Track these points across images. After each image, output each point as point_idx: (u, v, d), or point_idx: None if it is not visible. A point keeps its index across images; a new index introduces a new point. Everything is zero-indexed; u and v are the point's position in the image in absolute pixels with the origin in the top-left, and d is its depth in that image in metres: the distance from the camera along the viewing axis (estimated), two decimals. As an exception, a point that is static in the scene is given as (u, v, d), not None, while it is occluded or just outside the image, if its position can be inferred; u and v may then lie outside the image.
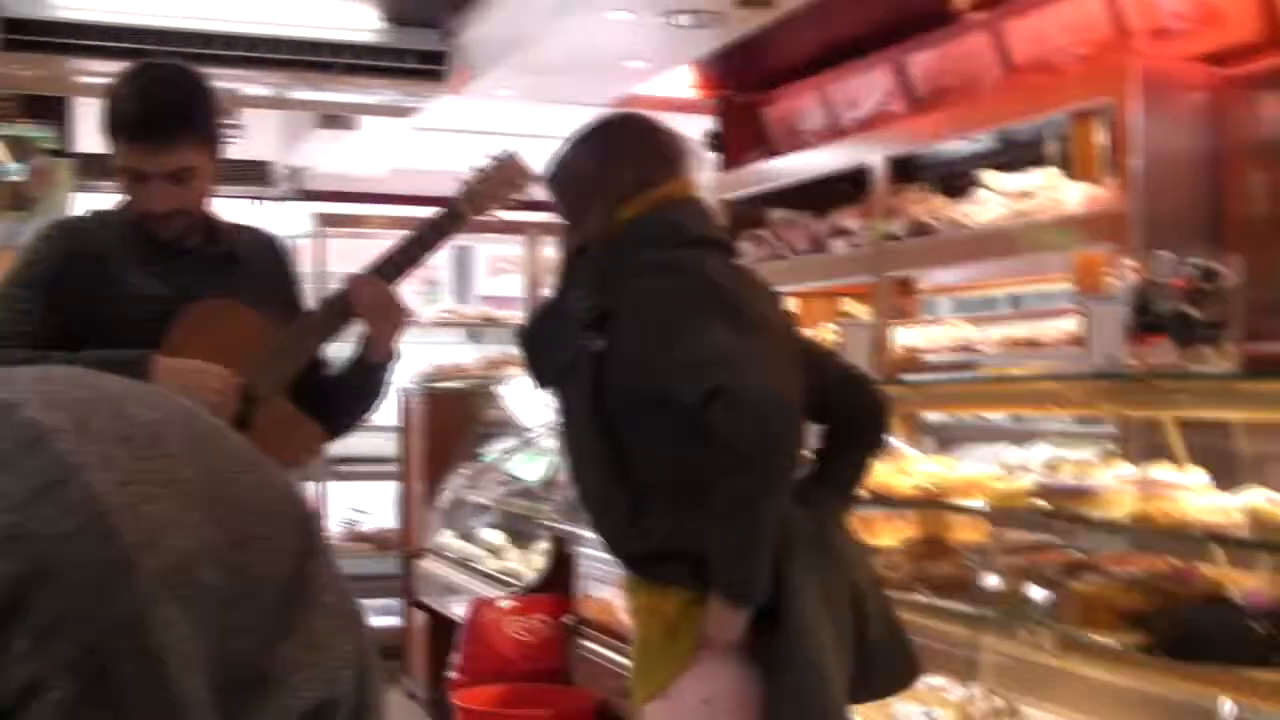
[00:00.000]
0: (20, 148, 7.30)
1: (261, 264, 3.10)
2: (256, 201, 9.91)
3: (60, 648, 0.81)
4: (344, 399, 3.13)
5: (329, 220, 8.75)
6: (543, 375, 3.05)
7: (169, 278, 2.90)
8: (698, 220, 3.01)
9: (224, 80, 6.91)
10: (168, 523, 0.88)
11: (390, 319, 3.03)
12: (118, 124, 2.83)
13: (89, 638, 0.81)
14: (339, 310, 3.02)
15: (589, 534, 5.10)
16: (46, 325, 2.81)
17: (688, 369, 2.64)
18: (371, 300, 2.99)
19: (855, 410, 3.06)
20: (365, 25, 6.87)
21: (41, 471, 0.85)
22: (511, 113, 8.28)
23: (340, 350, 3.16)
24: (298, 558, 0.96)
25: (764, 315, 2.88)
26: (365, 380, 3.11)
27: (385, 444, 7.56)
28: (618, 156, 3.00)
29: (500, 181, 3.24)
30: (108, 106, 2.86)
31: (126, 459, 0.89)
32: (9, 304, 2.86)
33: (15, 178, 7.24)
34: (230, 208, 10.74)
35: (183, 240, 2.95)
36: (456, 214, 3.17)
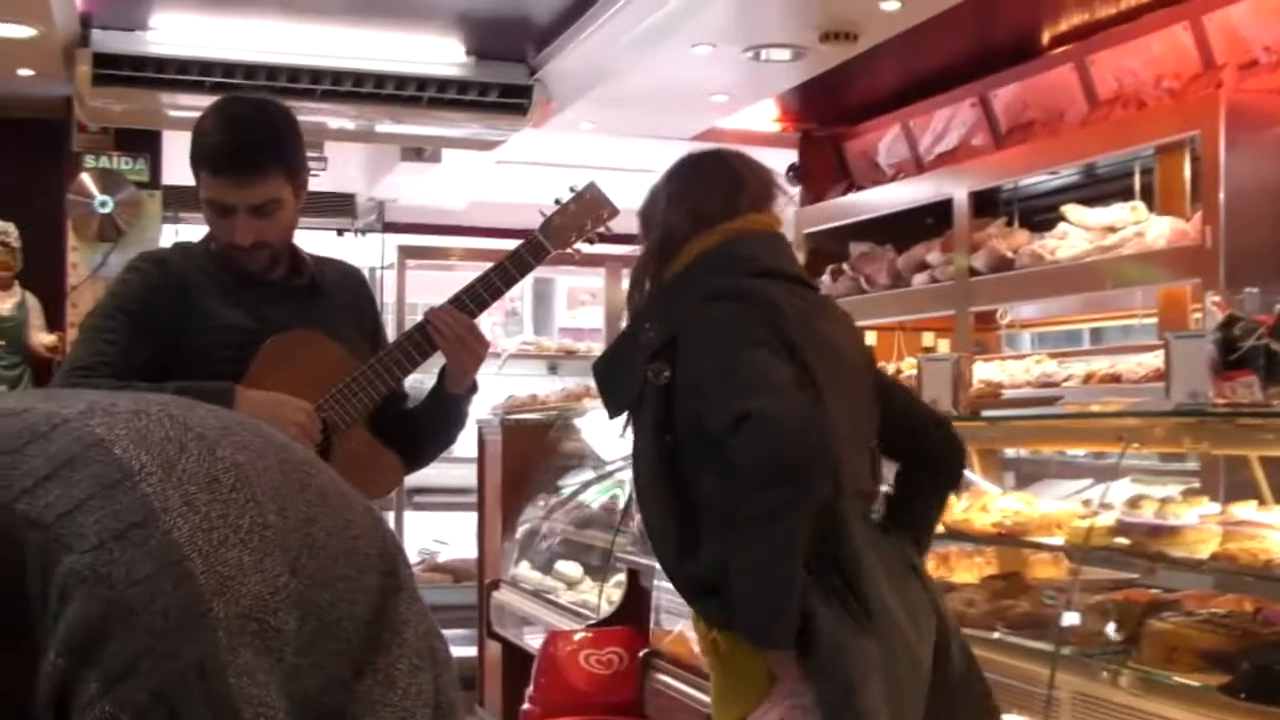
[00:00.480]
0: (110, 181, 7.44)
1: (345, 297, 3.09)
2: (340, 233, 10.03)
3: (131, 692, 0.81)
4: (425, 431, 3.13)
5: (410, 252, 8.82)
6: (615, 405, 3.03)
7: (253, 309, 2.91)
8: (770, 252, 2.97)
9: (310, 114, 7.01)
10: (247, 567, 0.88)
11: (471, 351, 3.03)
12: (203, 156, 2.85)
13: (160, 683, 0.82)
14: (420, 342, 3.00)
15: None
16: (132, 355, 2.83)
17: (723, 394, 2.61)
18: (452, 333, 2.99)
19: (933, 451, 3.03)
20: (450, 59, 6.93)
21: (123, 513, 0.85)
22: (590, 146, 8.33)
23: (419, 383, 3.18)
24: (379, 596, 0.97)
25: (835, 347, 2.85)
26: (446, 412, 3.11)
27: (464, 475, 7.59)
28: (702, 189, 2.97)
29: (582, 214, 3.23)
30: (193, 139, 2.90)
31: (210, 503, 0.89)
32: (97, 334, 2.88)
33: (105, 210, 7.37)
34: (314, 240, 10.87)
35: (267, 272, 2.95)
36: (538, 247, 3.16)
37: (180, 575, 0.85)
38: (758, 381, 2.59)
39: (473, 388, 3.10)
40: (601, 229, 3.29)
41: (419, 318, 3.12)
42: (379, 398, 2.96)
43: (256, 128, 2.86)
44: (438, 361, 3.08)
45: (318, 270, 3.07)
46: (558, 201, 3.23)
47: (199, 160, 2.86)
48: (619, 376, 2.99)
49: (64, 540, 0.84)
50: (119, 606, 0.83)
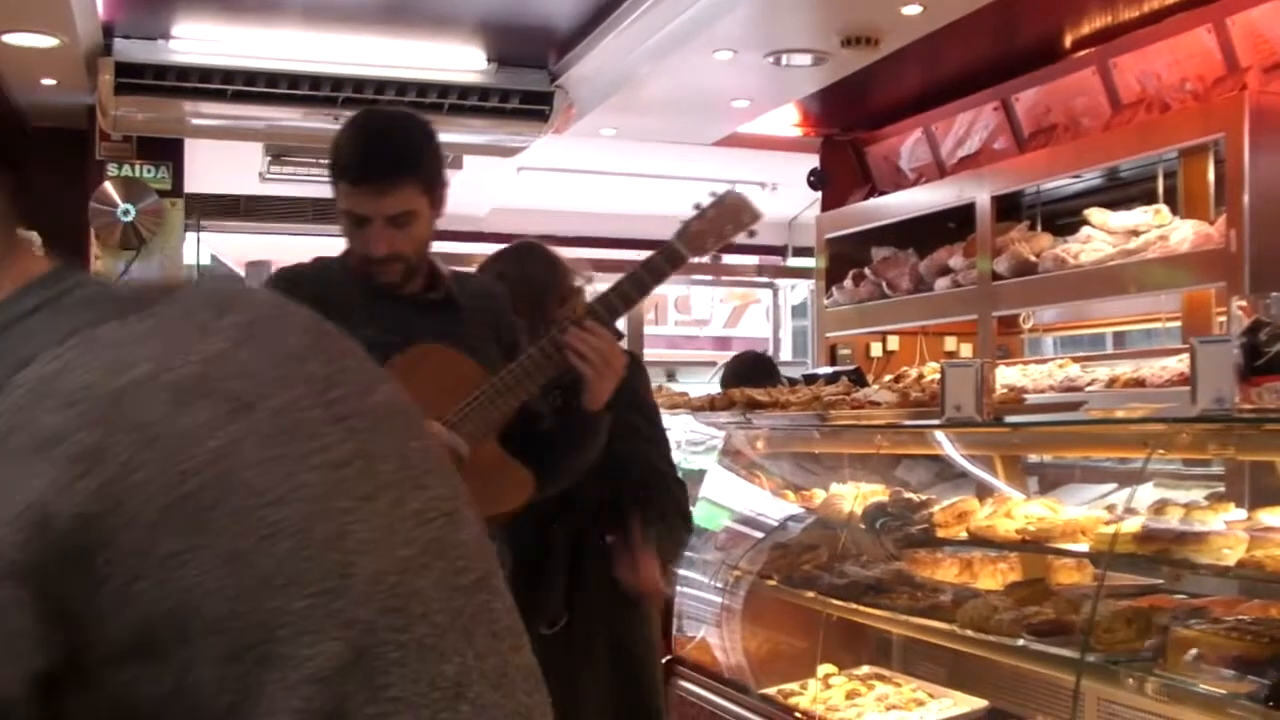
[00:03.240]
0: (133, 189, 7.46)
1: (480, 312, 3.06)
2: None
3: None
4: (559, 450, 3.08)
5: (432, 258, 8.84)
6: None
7: (387, 323, 2.86)
8: None
9: (331, 122, 7.02)
10: None
11: (611, 368, 2.97)
12: (340, 166, 2.86)
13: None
14: (552, 354, 2.94)
15: (686, 572, 5.09)
16: None
17: None
18: (591, 349, 2.93)
19: None
20: (472, 66, 6.93)
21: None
22: (612, 152, 8.33)
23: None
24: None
25: None
26: (581, 430, 3.06)
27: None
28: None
29: (722, 220, 3.14)
30: (332, 149, 2.90)
31: None
32: None
33: (128, 218, 7.39)
34: (335, 247, 10.84)
35: (402, 286, 2.94)
36: (675, 255, 3.07)
37: None
38: None
39: (609, 404, 3.03)
40: (742, 235, 3.18)
41: None
42: (509, 412, 2.90)
43: (394, 139, 2.88)
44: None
45: (454, 285, 3.05)
46: (697, 207, 3.16)
47: (337, 170, 2.87)
48: None
49: None
50: None
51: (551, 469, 3.05)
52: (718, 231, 3.11)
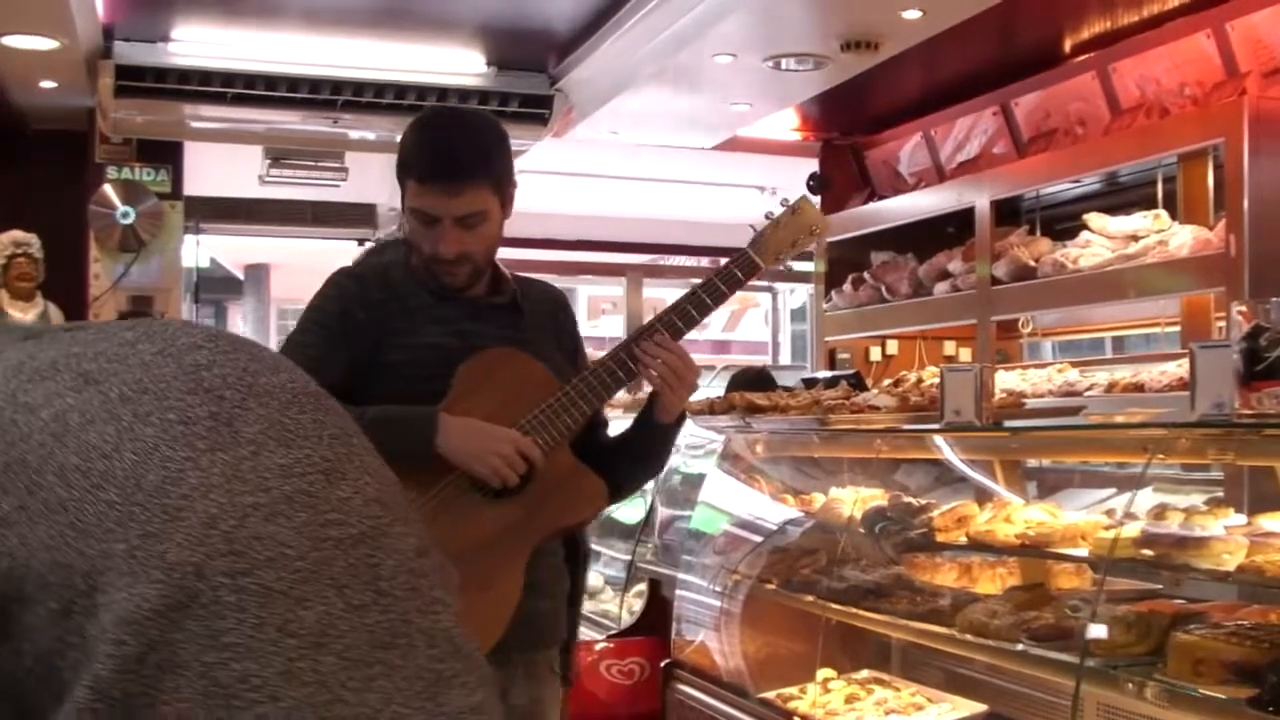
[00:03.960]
0: (132, 191, 7.46)
1: (545, 317, 3.02)
2: (362, 243, 10.05)
3: None
4: (629, 460, 3.04)
5: (432, 262, 8.84)
6: None
7: (452, 325, 2.87)
8: None
9: (331, 125, 7.03)
10: None
11: (684, 381, 2.92)
12: (409, 165, 2.83)
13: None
14: (625, 362, 2.89)
15: (685, 576, 5.09)
16: (328, 371, 2.75)
17: None
18: (665, 361, 2.88)
19: None
20: (471, 70, 6.94)
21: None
22: (611, 155, 8.33)
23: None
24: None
25: None
26: (652, 441, 3.01)
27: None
28: None
29: (794, 229, 3.09)
30: (401, 147, 2.88)
31: None
32: (299, 350, 2.84)
33: (127, 221, 7.39)
34: (336, 250, 10.87)
35: (468, 288, 2.91)
36: (749, 263, 3.03)
37: None
38: None
39: (681, 416, 3.00)
40: (812, 245, 3.20)
41: (298, 333, 2.99)
42: (582, 420, 2.86)
43: (465, 138, 2.85)
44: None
45: (519, 289, 3.01)
46: (768, 215, 3.12)
47: (406, 168, 2.84)
48: None
49: None
50: None
51: (623, 481, 3.03)
52: (790, 240, 3.08)
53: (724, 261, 3.06)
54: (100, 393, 0.86)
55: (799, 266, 9.56)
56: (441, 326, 2.86)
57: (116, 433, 0.84)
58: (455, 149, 2.81)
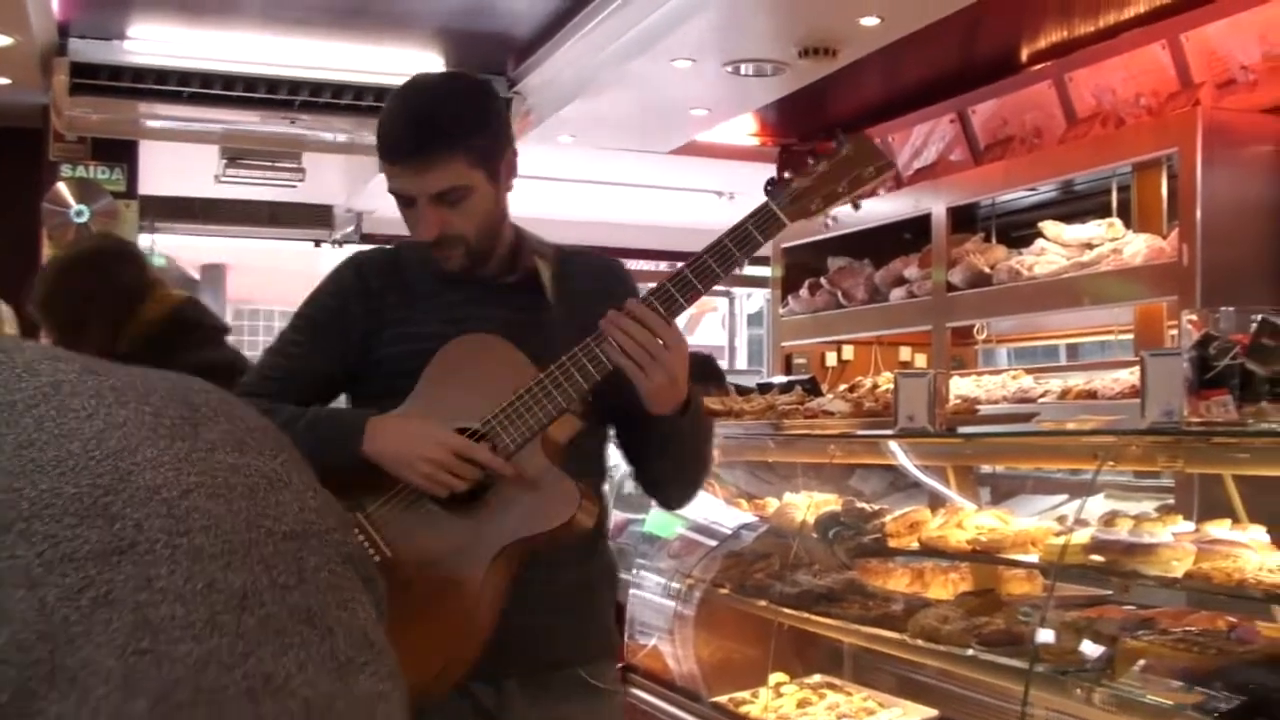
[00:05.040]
0: (87, 190, 7.41)
1: (587, 296, 2.56)
2: (318, 244, 10.02)
3: None
4: (658, 461, 2.67)
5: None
6: None
7: (452, 312, 2.59)
8: None
9: (288, 125, 7.00)
10: None
11: (658, 359, 2.40)
12: (380, 144, 2.54)
13: None
14: (592, 349, 2.44)
15: (639, 580, 5.09)
16: (313, 365, 2.64)
17: None
18: (627, 339, 2.40)
19: None
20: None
21: None
22: (570, 159, 8.33)
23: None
24: None
25: None
26: (661, 439, 2.57)
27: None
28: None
29: (838, 174, 2.53)
30: (377, 125, 2.58)
31: None
32: (282, 344, 2.69)
33: (81, 220, 7.34)
34: (291, 250, 10.81)
35: (472, 269, 2.60)
36: (766, 219, 2.49)
37: None
38: None
39: (685, 405, 2.49)
40: (867, 191, 2.56)
41: (287, 327, 2.78)
42: (555, 414, 2.45)
43: (431, 107, 2.54)
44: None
45: (556, 265, 2.66)
46: (812, 157, 2.56)
47: (378, 147, 2.55)
48: None
49: None
50: None
51: (663, 485, 2.75)
52: (829, 189, 2.51)
53: (740, 219, 2.51)
54: (97, 379, 0.98)
55: (755, 271, 9.59)
56: (441, 314, 2.58)
57: (96, 405, 0.95)
58: (419, 120, 2.52)
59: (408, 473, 2.41)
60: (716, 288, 2.53)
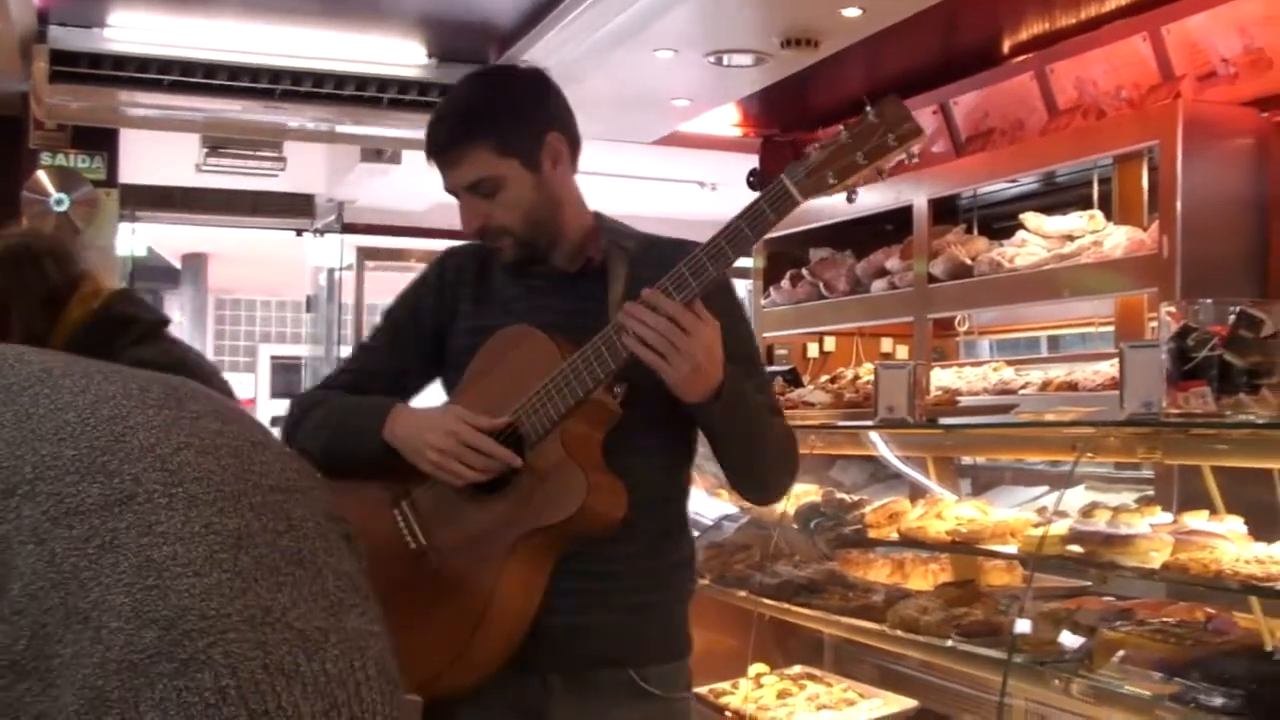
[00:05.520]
0: (67, 178, 7.38)
1: (651, 283, 2.39)
2: (299, 234, 9.99)
3: None
4: (717, 450, 2.59)
5: (369, 253, 8.81)
6: None
7: (510, 305, 2.59)
8: None
9: (270, 114, 6.97)
10: None
11: (680, 349, 2.31)
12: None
13: None
14: (610, 339, 2.39)
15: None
16: (390, 361, 2.68)
17: None
18: (644, 328, 2.32)
19: None
20: (411, 61, 6.89)
21: None
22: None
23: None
24: None
25: None
26: (706, 427, 2.51)
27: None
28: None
29: (861, 143, 2.38)
30: None
31: None
32: (368, 337, 2.77)
33: (61, 208, 7.31)
34: (273, 240, 10.78)
35: (529, 260, 2.59)
36: (779, 196, 2.35)
37: None
38: None
39: (719, 393, 2.38)
40: (889, 160, 2.39)
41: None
42: (572, 405, 2.40)
43: (456, 101, 2.57)
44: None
45: (638, 253, 2.57)
46: (847, 126, 2.42)
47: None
48: None
49: None
50: None
51: (736, 477, 2.68)
52: (848, 161, 2.35)
53: (755, 196, 2.40)
54: (83, 364, 1.06)
55: (737, 262, 9.58)
56: (503, 306, 2.59)
57: (85, 384, 1.03)
58: (444, 115, 2.55)
59: (419, 460, 2.45)
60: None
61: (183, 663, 0.88)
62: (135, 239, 9.76)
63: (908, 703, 4.45)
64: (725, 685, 4.63)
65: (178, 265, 15.00)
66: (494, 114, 2.53)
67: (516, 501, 2.41)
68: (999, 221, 6.09)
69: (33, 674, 0.89)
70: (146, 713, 0.87)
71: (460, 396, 2.56)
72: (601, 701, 2.51)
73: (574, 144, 2.67)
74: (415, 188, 8.92)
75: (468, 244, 2.70)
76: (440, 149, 2.53)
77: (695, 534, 5.00)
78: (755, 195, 2.41)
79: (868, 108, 2.40)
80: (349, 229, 9.73)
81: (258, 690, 0.90)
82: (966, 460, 5.19)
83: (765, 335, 7.20)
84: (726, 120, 7.83)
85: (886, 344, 7.06)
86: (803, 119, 7.65)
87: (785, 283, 6.89)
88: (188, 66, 6.59)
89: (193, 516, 0.97)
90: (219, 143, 7.86)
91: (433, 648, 2.36)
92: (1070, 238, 5.19)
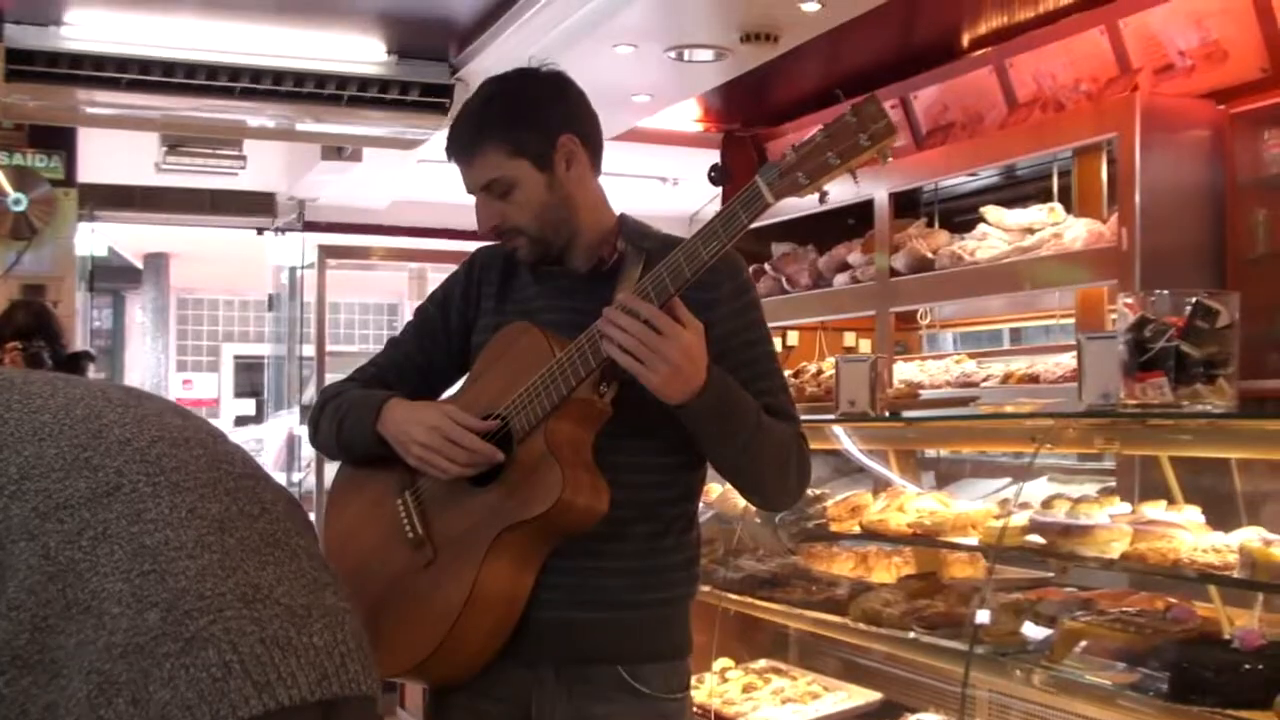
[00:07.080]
0: (25, 178, 7.33)
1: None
2: (260, 232, 9.95)
3: None
4: (711, 455, 2.55)
5: (330, 251, 8.75)
6: None
7: (523, 305, 2.62)
8: None
9: (229, 112, 6.94)
10: None
11: (659, 353, 2.30)
12: None
13: None
14: (590, 347, 2.38)
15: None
16: (416, 358, 2.73)
17: None
18: (618, 334, 2.31)
19: None
20: (371, 58, 6.87)
21: None
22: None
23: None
24: None
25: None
26: (699, 435, 2.44)
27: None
28: None
29: (836, 143, 2.32)
30: None
31: None
32: (399, 333, 2.81)
33: (19, 208, 7.26)
34: (232, 238, 10.69)
35: (546, 260, 2.60)
36: (751, 199, 2.34)
37: None
38: None
39: (702, 392, 2.34)
40: (863, 161, 2.32)
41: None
42: (558, 402, 2.39)
43: (473, 102, 2.61)
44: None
45: (654, 252, 2.52)
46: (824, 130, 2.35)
47: None
48: None
49: None
50: None
51: (742, 487, 2.61)
52: (820, 162, 2.32)
53: (732, 199, 2.37)
54: (43, 372, 1.12)
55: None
56: (520, 306, 2.63)
57: (53, 389, 1.09)
58: (462, 117, 2.60)
59: (403, 454, 2.51)
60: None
61: (187, 641, 0.93)
62: (95, 239, 9.71)
63: (872, 695, 4.47)
64: (690, 680, 4.63)
65: (139, 265, 14.91)
66: (505, 115, 2.56)
67: (502, 495, 2.44)
68: (960, 215, 6.11)
69: (37, 666, 0.92)
70: (157, 691, 0.91)
71: (464, 391, 2.62)
72: (591, 697, 2.50)
73: (593, 146, 2.66)
74: (376, 185, 8.90)
75: (496, 244, 2.71)
76: (456, 150, 2.59)
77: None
78: (717, 191, 2.43)
79: (847, 111, 2.32)
80: (310, 227, 9.68)
81: (258, 662, 0.96)
82: (929, 453, 5.21)
83: (728, 330, 7.21)
84: (687, 115, 7.84)
85: (850, 338, 7.08)
86: (764, 114, 7.66)
87: (748, 277, 6.89)
88: (146, 64, 6.55)
89: (178, 503, 1.03)
90: (178, 141, 7.82)
91: (422, 634, 2.42)
92: (1030, 230, 5.21)
